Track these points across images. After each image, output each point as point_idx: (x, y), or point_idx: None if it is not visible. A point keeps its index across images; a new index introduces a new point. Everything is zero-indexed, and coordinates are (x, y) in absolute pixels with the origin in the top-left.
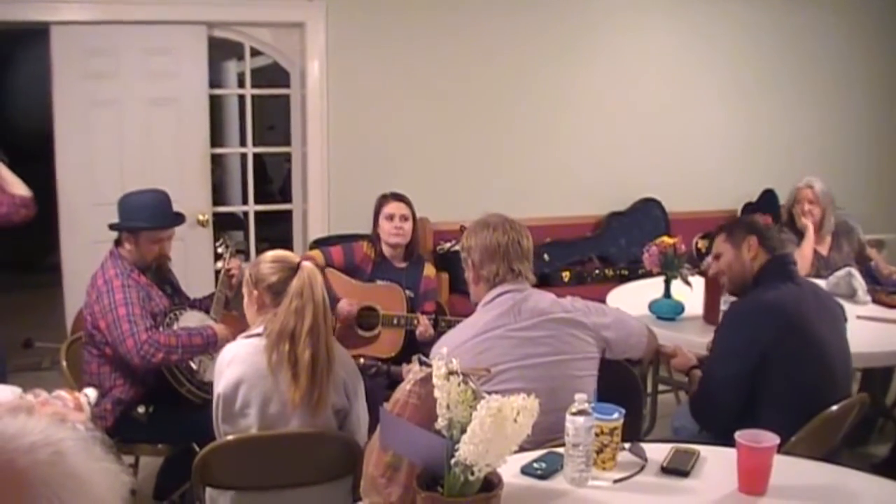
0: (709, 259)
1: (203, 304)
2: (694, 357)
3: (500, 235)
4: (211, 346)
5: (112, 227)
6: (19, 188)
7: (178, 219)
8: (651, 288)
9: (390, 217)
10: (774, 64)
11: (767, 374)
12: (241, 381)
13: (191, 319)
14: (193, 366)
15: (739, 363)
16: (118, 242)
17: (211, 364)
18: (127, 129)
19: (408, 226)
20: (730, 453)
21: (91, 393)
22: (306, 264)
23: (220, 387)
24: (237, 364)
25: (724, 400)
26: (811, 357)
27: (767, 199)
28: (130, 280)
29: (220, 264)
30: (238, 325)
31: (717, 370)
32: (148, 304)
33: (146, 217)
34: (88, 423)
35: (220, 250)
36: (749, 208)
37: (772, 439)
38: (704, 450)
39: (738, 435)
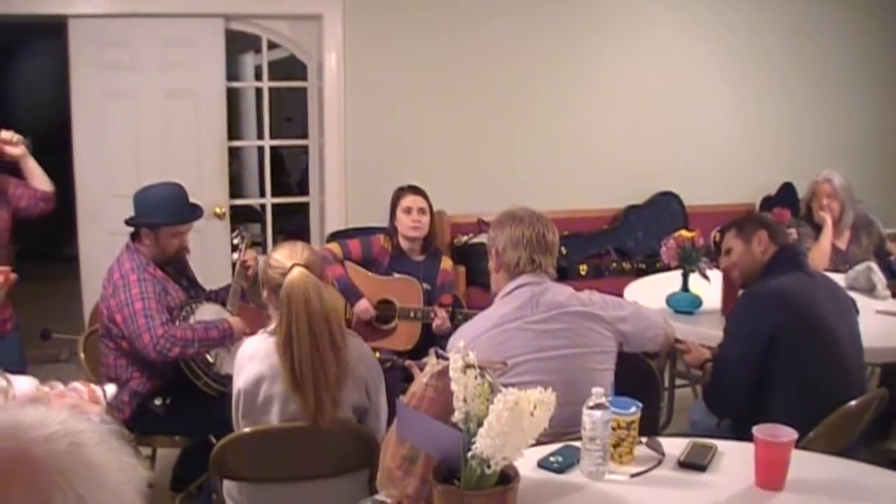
0: None
1: (219, 296)
2: (707, 351)
3: (525, 227)
4: (227, 339)
5: (129, 222)
6: (43, 183)
7: (198, 212)
8: (669, 281)
9: (408, 210)
10: (793, 56)
11: (776, 359)
12: (262, 378)
13: (207, 312)
14: (210, 358)
15: (748, 344)
16: (134, 236)
17: (228, 357)
18: (144, 122)
19: (425, 219)
20: (747, 448)
21: (109, 389)
22: (294, 273)
23: (240, 381)
24: (257, 361)
25: (735, 383)
26: (821, 344)
27: (786, 193)
28: (146, 274)
29: (235, 256)
30: (254, 318)
31: (727, 353)
32: (164, 298)
33: (165, 212)
34: (104, 415)
35: (235, 241)
36: (768, 202)
37: (790, 434)
38: (722, 444)
39: (756, 429)
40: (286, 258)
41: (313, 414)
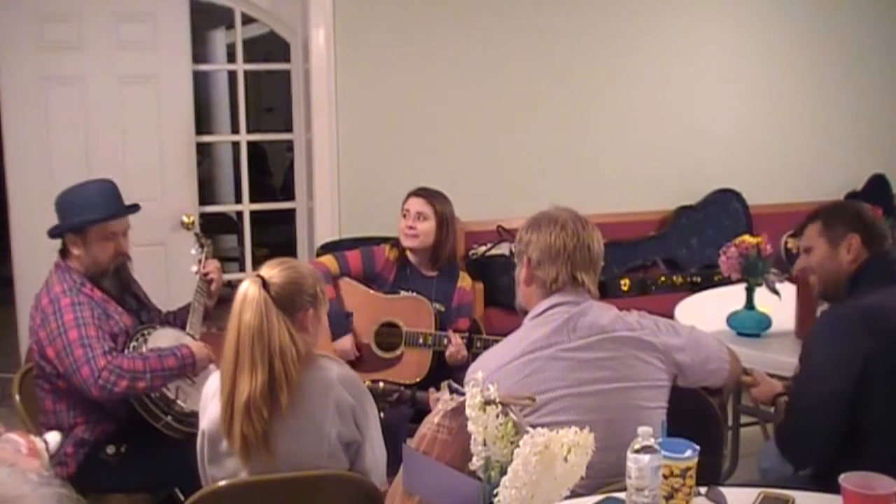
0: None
1: (178, 319)
2: (778, 384)
3: (567, 236)
4: (188, 367)
5: (53, 232)
6: None
7: (132, 207)
8: (730, 298)
9: (405, 214)
10: (882, 20)
11: (870, 396)
12: None
13: (163, 338)
14: (169, 394)
15: (835, 380)
16: (63, 252)
17: (192, 391)
18: (93, 114)
19: (425, 226)
20: (833, 502)
21: (52, 438)
22: (243, 285)
23: (204, 422)
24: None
25: (815, 426)
26: None
27: (877, 187)
28: (82, 296)
29: (195, 268)
30: (221, 343)
31: (807, 390)
32: (105, 322)
33: (91, 209)
34: (44, 471)
35: (193, 251)
36: (853, 199)
37: (888, 486)
38: (800, 497)
39: (844, 479)
40: (262, 269)
41: (234, 445)
